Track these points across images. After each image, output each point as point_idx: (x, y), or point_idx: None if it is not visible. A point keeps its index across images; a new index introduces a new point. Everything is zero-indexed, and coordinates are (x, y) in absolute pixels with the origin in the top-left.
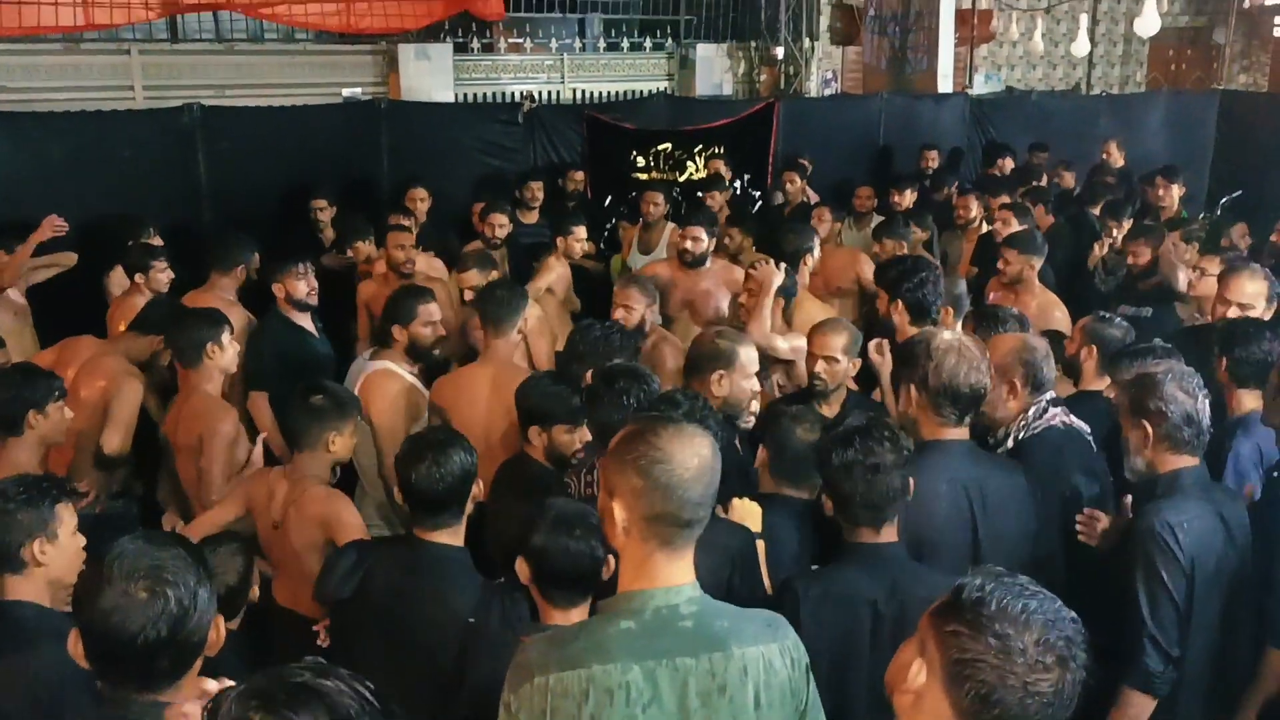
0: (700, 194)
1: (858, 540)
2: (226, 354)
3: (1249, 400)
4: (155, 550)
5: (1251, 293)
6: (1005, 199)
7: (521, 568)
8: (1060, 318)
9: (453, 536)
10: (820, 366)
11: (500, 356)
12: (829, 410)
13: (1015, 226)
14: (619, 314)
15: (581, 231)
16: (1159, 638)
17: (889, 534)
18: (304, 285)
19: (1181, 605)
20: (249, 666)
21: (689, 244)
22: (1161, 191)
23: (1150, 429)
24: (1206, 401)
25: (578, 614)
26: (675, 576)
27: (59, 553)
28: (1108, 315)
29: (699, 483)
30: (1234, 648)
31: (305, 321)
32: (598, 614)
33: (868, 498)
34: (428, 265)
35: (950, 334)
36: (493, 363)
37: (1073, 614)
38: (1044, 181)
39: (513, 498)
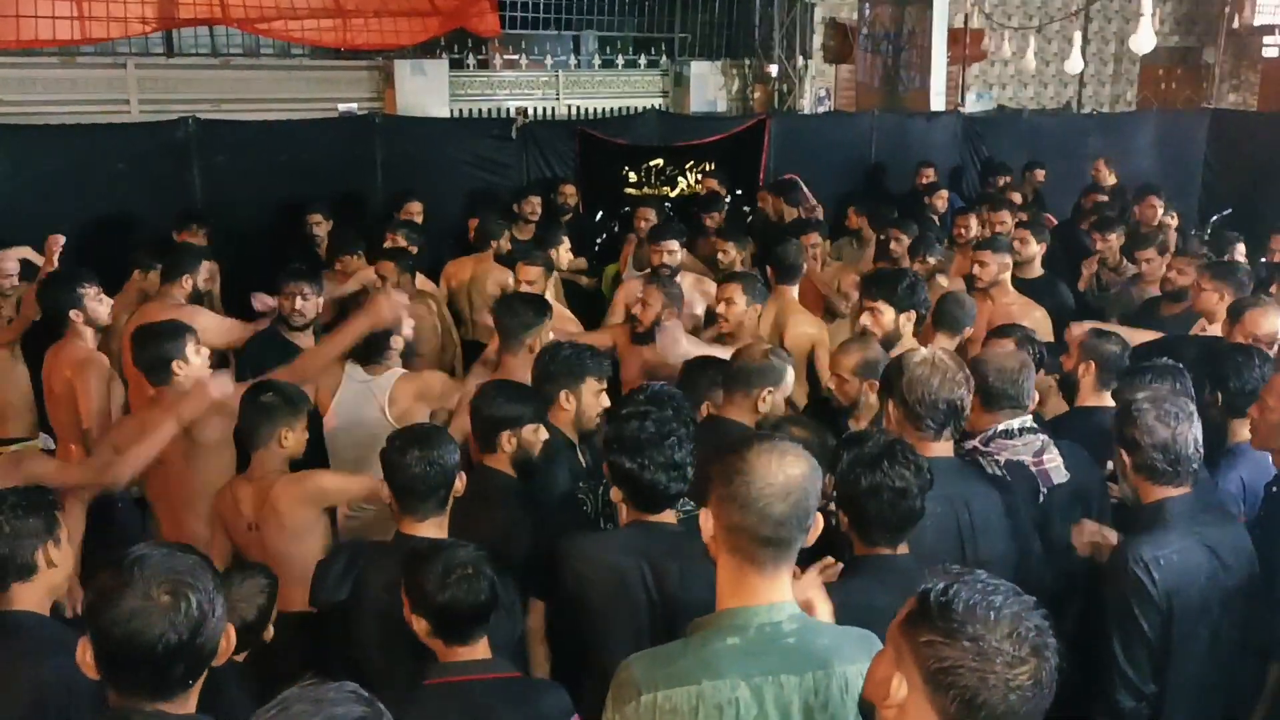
0: (696, 210)
1: (871, 554)
2: (193, 366)
3: (1242, 430)
4: (174, 556)
5: (1269, 328)
6: (1009, 216)
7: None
8: (1040, 318)
9: (437, 529)
10: (833, 384)
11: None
12: (856, 427)
13: (1034, 246)
14: (635, 309)
15: (566, 243)
16: (1130, 675)
17: (901, 549)
18: (288, 305)
19: (1155, 642)
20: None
21: (665, 257)
22: (1152, 211)
23: (1127, 458)
24: (1191, 427)
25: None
26: (773, 594)
27: (64, 557)
28: (1105, 330)
29: (781, 501)
30: (1231, 674)
31: (303, 339)
32: (698, 631)
33: (891, 521)
34: (422, 283)
35: (927, 350)
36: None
37: (1035, 599)
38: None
39: (483, 507)
